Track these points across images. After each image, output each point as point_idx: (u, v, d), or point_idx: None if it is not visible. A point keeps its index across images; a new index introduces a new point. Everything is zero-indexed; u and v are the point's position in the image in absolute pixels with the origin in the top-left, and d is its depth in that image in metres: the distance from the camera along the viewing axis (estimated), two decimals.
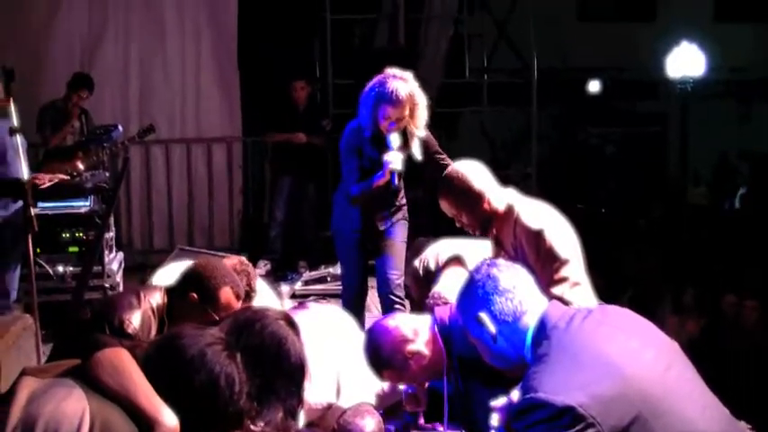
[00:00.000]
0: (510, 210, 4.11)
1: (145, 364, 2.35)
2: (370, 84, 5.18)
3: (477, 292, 2.68)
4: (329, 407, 4.14)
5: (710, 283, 8.15)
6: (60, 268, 6.70)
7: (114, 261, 7.00)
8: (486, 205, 4.14)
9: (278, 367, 2.60)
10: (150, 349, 2.42)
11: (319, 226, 9.09)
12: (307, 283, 8.23)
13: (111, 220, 7.14)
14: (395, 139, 5.15)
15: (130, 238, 9.80)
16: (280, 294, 7.68)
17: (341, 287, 5.96)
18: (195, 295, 3.75)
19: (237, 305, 3.83)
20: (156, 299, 3.81)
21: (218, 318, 3.69)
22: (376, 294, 5.77)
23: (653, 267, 9.37)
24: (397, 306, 5.34)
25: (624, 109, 15.43)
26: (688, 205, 12.86)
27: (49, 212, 6.79)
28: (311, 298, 7.62)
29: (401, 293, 5.38)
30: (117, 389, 2.27)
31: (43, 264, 6.65)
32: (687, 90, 14.06)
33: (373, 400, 4.13)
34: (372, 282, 5.78)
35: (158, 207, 9.95)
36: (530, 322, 2.59)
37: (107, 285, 6.61)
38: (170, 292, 3.89)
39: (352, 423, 3.96)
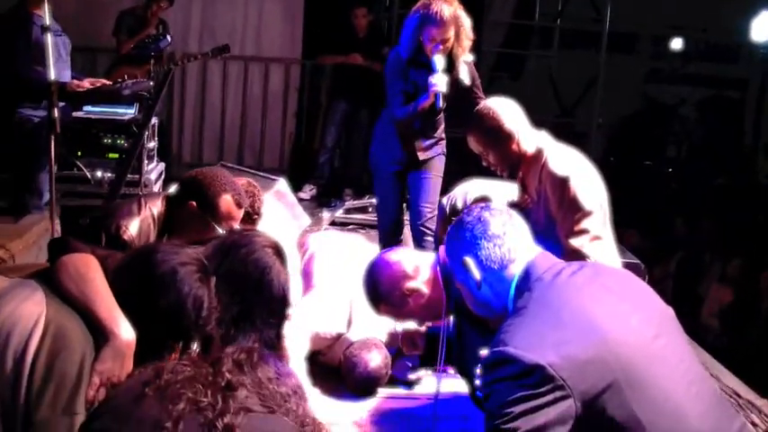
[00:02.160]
0: (539, 153, 3.92)
1: (114, 276, 2.27)
2: (415, 7, 5.09)
3: (465, 235, 2.52)
4: (338, 337, 4.06)
5: (758, 257, 7.90)
6: (99, 173, 6.66)
7: (154, 171, 6.93)
8: (514, 146, 3.96)
9: (258, 296, 2.53)
10: (123, 261, 2.33)
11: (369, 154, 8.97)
12: (348, 211, 8.10)
13: (155, 129, 7.07)
14: (439, 60, 5.04)
15: (180, 150, 9.75)
16: (320, 221, 7.61)
17: None
18: (194, 203, 3.62)
19: (239, 214, 3.71)
20: (159, 207, 3.70)
21: (219, 227, 3.60)
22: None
23: (707, 234, 9.11)
24: (427, 239, 5.25)
25: (704, 71, 15.04)
26: (755, 176, 12.48)
27: (93, 116, 6.75)
28: (350, 227, 7.55)
29: (432, 226, 5.26)
30: (77, 295, 2.20)
31: (82, 167, 6.62)
32: None
33: (384, 337, 4.03)
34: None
35: (211, 122, 9.87)
36: (516, 272, 2.42)
37: (142, 195, 6.54)
38: (169, 200, 3.77)
39: (357, 356, 3.89)
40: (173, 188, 3.83)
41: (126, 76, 6.47)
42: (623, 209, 4.04)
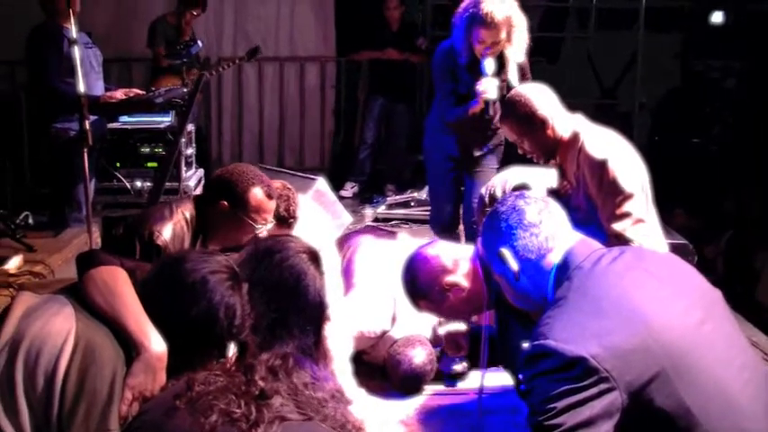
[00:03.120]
0: (575, 137, 3.83)
1: (143, 287, 2.24)
2: (465, 4, 4.87)
3: (500, 226, 2.45)
4: (382, 335, 4.01)
5: None
6: (138, 183, 6.71)
7: (193, 177, 6.96)
8: (549, 132, 3.88)
9: (293, 302, 2.50)
10: (151, 272, 2.31)
11: (410, 149, 8.94)
12: (390, 206, 8.08)
13: (193, 136, 7.09)
14: (489, 64, 4.85)
15: (220, 155, 9.77)
16: (363, 218, 7.58)
17: (424, 212, 5.81)
18: (225, 202, 3.59)
19: (270, 206, 3.66)
20: (190, 209, 3.66)
21: (254, 222, 3.56)
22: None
23: (758, 211, 8.93)
24: None
25: (748, 42, 14.78)
26: None
27: (129, 127, 6.79)
28: (393, 223, 7.51)
29: None
30: (106, 309, 2.18)
31: (121, 178, 6.67)
32: None
33: (428, 333, 3.98)
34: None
35: (249, 125, 9.90)
36: (554, 260, 2.35)
37: (172, 199, 6.56)
38: (200, 201, 3.74)
39: (401, 353, 3.84)
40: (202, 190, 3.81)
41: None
42: (670, 189, 3.94)
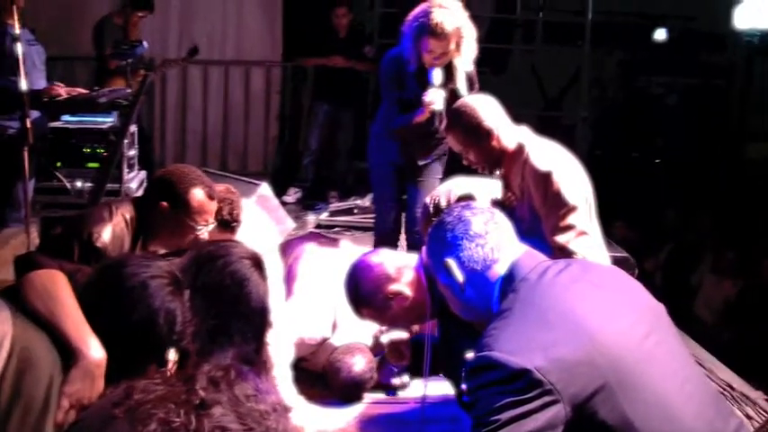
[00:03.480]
0: (520, 149, 3.85)
1: (83, 292, 2.19)
2: (414, 13, 4.82)
3: (446, 236, 2.43)
4: (322, 342, 4.00)
5: (754, 245, 7.84)
6: (79, 183, 6.59)
7: (135, 179, 6.85)
8: (495, 143, 3.89)
9: (235, 309, 2.44)
10: (91, 276, 2.25)
11: (354, 156, 8.92)
12: (333, 213, 8.05)
13: (135, 137, 6.99)
14: (437, 75, 4.83)
15: (162, 158, 9.63)
16: (305, 224, 7.54)
17: (367, 220, 5.78)
18: (165, 203, 3.54)
19: (212, 207, 3.61)
20: (130, 211, 3.60)
21: (195, 224, 3.51)
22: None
23: (698, 224, 9.07)
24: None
25: (689, 59, 15.01)
26: (745, 162, 12.46)
27: (71, 126, 6.68)
28: (335, 229, 7.49)
29: None
30: (45, 313, 2.12)
31: (62, 178, 6.55)
32: (754, 43, 13.55)
33: (369, 341, 3.97)
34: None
35: (193, 128, 9.78)
36: (500, 272, 2.34)
37: (112, 201, 6.47)
38: (140, 203, 3.69)
39: (341, 360, 3.83)
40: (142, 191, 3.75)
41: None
42: (611, 201, 3.97)
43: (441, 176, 5.31)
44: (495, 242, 2.39)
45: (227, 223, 4.02)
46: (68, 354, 2.05)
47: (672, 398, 2.08)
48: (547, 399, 1.97)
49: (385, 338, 3.66)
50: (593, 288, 2.25)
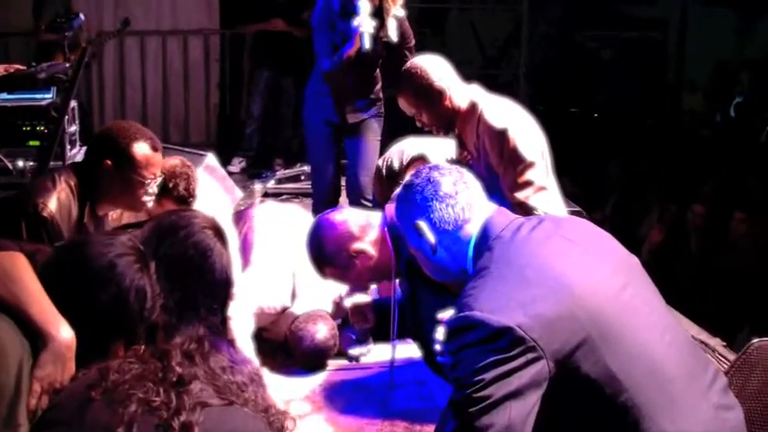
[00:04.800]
0: (473, 107, 3.81)
1: (45, 273, 2.09)
2: None
3: (415, 198, 2.41)
4: (282, 311, 3.96)
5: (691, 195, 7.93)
6: (20, 163, 6.42)
7: (77, 156, 6.69)
8: (447, 102, 3.84)
9: (200, 281, 2.37)
10: (52, 256, 2.17)
11: (297, 122, 8.80)
12: (280, 181, 8.03)
13: (76, 113, 6.83)
14: (364, 4, 4.87)
15: None
16: (252, 193, 7.47)
17: None
18: (109, 161, 3.40)
19: (158, 158, 3.49)
20: (74, 177, 3.47)
21: (142, 178, 3.42)
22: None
23: (640, 176, 9.14)
24: None
25: (624, 13, 15.11)
26: (682, 113, 12.60)
27: (8, 105, 6.50)
28: (283, 197, 7.43)
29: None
30: (8, 297, 2.02)
31: (2, 158, 6.38)
32: None
33: (329, 308, 3.94)
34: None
35: (132, 101, 9.59)
36: (472, 231, 2.31)
37: (53, 169, 6.33)
38: (82, 167, 3.55)
39: (303, 329, 3.80)
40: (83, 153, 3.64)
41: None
42: (555, 158, 3.97)
43: (379, 138, 5.28)
44: (466, 201, 2.36)
45: (184, 199, 3.95)
46: (36, 337, 1.97)
47: (653, 348, 2.08)
48: (530, 356, 1.96)
49: (348, 302, 3.63)
50: (567, 243, 2.23)
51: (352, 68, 5.01)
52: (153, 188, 3.49)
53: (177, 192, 3.87)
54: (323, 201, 5.30)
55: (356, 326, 3.64)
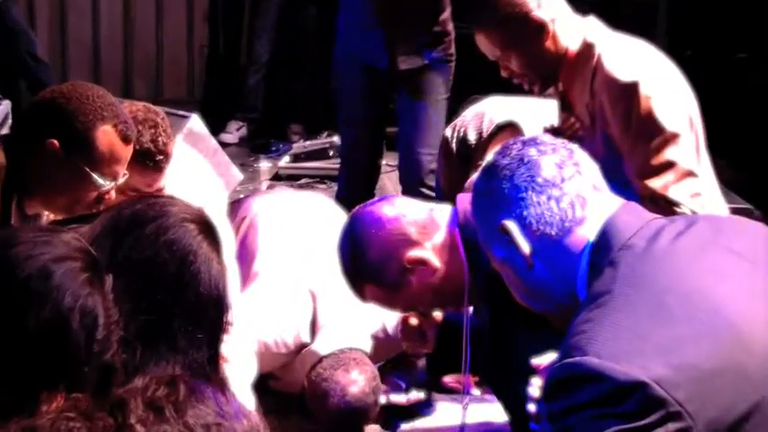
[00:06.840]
0: (587, 50, 3.82)
1: None
2: None
3: (501, 187, 2.40)
4: (299, 349, 4.00)
5: None
6: None
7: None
8: (549, 42, 3.84)
9: (177, 298, 2.35)
10: None
11: (323, 71, 8.84)
12: (297, 157, 8.04)
13: None
14: None
15: None
16: (257, 174, 7.54)
17: None
18: (55, 142, 3.39)
19: (126, 153, 3.50)
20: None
21: (101, 177, 3.44)
22: (396, 180, 5.57)
23: None
24: None
25: None
26: None
27: None
28: (302, 181, 7.49)
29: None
30: None
31: None
32: None
33: (367, 345, 3.98)
34: (391, 158, 5.55)
35: (77, 35, 9.79)
36: (588, 237, 2.31)
37: None
38: (10, 143, 3.57)
39: (330, 379, 3.86)
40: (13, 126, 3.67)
41: None
42: (708, 129, 3.95)
43: (447, 95, 5.30)
44: (576, 193, 2.35)
45: (150, 155, 3.87)
46: None
47: None
48: (673, 426, 1.95)
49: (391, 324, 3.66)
50: (731, 257, 2.22)
51: None
52: (111, 194, 3.47)
53: (139, 145, 3.80)
54: (354, 183, 5.34)
55: (407, 348, 3.65)
